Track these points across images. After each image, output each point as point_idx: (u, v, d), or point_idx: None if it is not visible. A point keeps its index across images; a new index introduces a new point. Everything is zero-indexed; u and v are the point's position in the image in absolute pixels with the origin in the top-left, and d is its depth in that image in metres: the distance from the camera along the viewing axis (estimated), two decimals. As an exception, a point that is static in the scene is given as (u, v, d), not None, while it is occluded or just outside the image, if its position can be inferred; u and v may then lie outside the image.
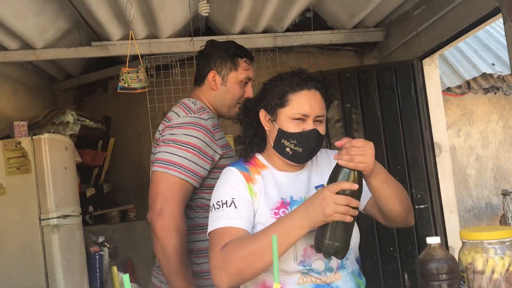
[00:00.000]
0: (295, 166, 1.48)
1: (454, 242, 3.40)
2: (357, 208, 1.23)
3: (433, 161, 3.57)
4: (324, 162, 1.54)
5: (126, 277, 0.71)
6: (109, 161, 4.28)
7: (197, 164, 1.68)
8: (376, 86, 3.70)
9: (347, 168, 1.25)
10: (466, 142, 4.72)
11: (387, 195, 1.37)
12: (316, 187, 1.45)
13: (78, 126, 3.51)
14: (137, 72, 2.99)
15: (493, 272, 1.16)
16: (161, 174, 1.66)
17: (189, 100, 1.83)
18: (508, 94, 4.46)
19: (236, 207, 1.37)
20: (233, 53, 1.81)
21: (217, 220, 1.37)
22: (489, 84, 4.32)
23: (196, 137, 1.68)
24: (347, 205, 1.20)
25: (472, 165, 4.65)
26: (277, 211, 1.40)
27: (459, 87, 4.33)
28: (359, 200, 1.25)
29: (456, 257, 1.23)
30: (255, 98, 1.52)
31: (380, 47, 4.31)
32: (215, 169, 1.74)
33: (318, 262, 1.37)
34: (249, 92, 1.82)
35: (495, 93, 4.45)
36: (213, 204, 1.41)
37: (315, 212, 1.22)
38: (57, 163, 2.90)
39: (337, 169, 1.28)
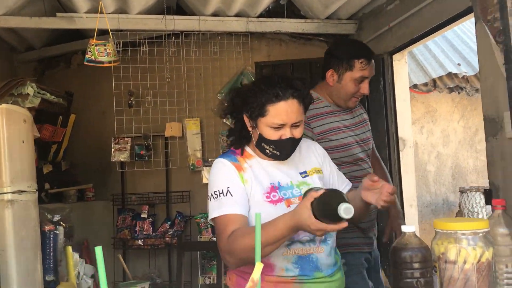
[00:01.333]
0: None
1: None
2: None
3: (397, 156, 3.62)
4: (309, 153, 1.73)
5: (98, 249, 0.66)
6: (68, 138, 4.12)
7: None
8: (346, 78, 3.71)
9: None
10: (428, 140, 4.83)
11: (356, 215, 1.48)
12: (300, 173, 1.66)
13: (38, 99, 3.36)
14: (105, 46, 2.87)
15: (465, 262, 1.17)
16: None
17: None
18: (471, 95, 4.58)
19: (232, 195, 1.54)
20: (350, 55, 2.04)
21: (217, 208, 1.53)
22: (454, 84, 4.42)
23: None
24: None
25: (433, 162, 4.77)
26: (268, 194, 1.58)
27: (426, 84, 4.41)
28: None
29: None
30: (240, 98, 1.64)
31: (352, 40, 4.32)
32: None
33: (303, 233, 1.52)
34: (364, 89, 2.06)
35: (458, 93, 4.56)
36: (211, 194, 1.57)
37: (303, 226, 1.36)
38: (14, 135, 2.76)
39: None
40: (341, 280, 1.64)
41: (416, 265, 1.15)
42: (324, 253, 1.59)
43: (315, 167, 1.71)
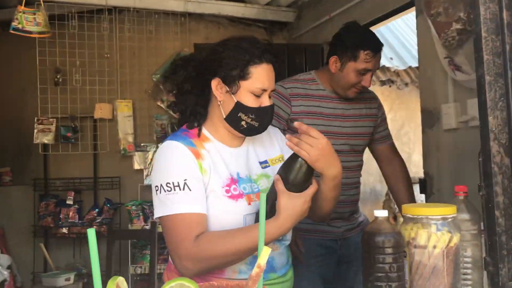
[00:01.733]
0: (237, 141, 1.43)
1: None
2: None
3: (332, 145, 3.67)
4: (271, 139, 1.53)
5: (90, 232, 0.55)
6: (-17, 117, 3.75)
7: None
8: (286, 66, 3.69)
9: (301, 158, 1.25)
10: (358, 130, 4.96)
11: (328, 199, 1.38)
12: (261, 163, 1.45)
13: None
14: (35, 14, 2.60)
15: (434, 247, 1.16)
16: None
17: (309, 72, 2.11)
18: (401, 89, 4.76)
19: (190, 190, 1.28)
20: (355, 45, 1.92)
21: (171, 204, 1.27)
22: (386, 77, 4.56)
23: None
24: None
25: (362, 153, 4.91)
26: (228, 188, 1.34)
27: (360, 76, 4.50)
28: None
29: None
30: (204, 64, 1.38)
31: (290, 28, 4.32)
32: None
33: None
34: (366, 81, 1.96)
35: (390, 86, 4.72)
36: (161, 185, 1.29)
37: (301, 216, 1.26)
38: None
39: (293, 157, 1.27)
40: (292, 278, 1.50)
41: (389, 250, 1.13)
42: (279, 251, 1.42)
43: (279, 155, 1.50)
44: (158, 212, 1.30)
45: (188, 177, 1.28)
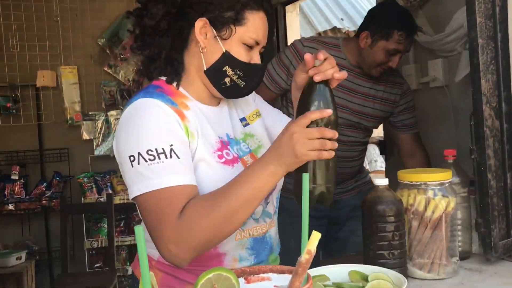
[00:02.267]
0: (214, 99, 1.19)
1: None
2: (336, 140, 0.99)
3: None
4: None
5: (138, 229, 0.48)
6: None
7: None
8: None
9: (322, 84, 1.02)
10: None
11: None
12: (241, 120, 1.25)
13: None
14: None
15: (433, 212, 1.16)
16: None
17: (337, 38, 2.05)
18: (352, 50, 4.78)
19: (178, 157, 1.03)
20: (390, 24, 1.85)
21: (156, 176, 1.00)
22: (338, 38, 4.55)
23: None
24: (321, 138, 0.96)
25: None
26: (220, 153, 1.12)
27: (312, 38, 4.47)
28: (336, 128, 1.01)
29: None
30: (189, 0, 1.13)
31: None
32: None
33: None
34: (394, 63, 1.89)
35: (340, 48, 4.73)
36: (139, 154, 1.01)
37: (286, 155, 0.98)
38: None
39: (311, 88, 1.02)
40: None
41: (391, 219, 1.12)
42: (275, 226, 1.25)
43: (254, 110, 1.31)
44: (138, 189, 1.01)
45: (175, 142, 1.03)
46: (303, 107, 1.01)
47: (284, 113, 1.42)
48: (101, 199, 3.49)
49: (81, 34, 3.75)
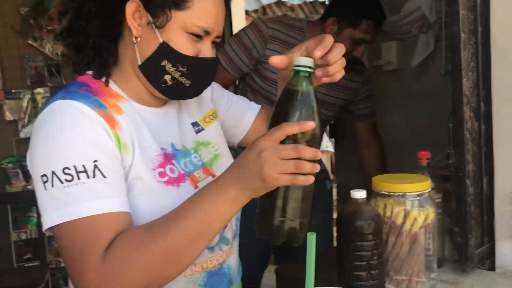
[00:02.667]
0: (157, 99, 0.97)
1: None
2: (316, 161, 0.77)
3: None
4: None
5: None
6: None
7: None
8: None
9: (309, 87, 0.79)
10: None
11: None
12: (193, 124, 1.04)
13: None
14: None
15: (412, 225, 1.07)
16: None
17: (302, 20, 1.92)
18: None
19: (104, 176, 0.81)
20: (359, 12, 1.74)
21: (74, 202, 0.79)
22: (282, 12, 4.41)
23: None
24: (298, 159, 0.75)
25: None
26: (162, 169, 0.90)
27: (256, 11, 4.30)
28: (319, 146, 0.81)
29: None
30: None
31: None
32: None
33: None
34: (359, 52, 1.79)
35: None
36: (53, 174, 0.79)
37: (251, 177, 0.76)
38: None
39: (293, 92, 0.79)
40: None
41: (369, 237, 1.00)
42: (235, 253, 1.05)
43: (210, 110, 1.10)
44: (51, 218, 0.80)
45: (101, 157, 0.81)
46: (279, 115, 0.80)
47: None
48: (29, 187, 3.18)
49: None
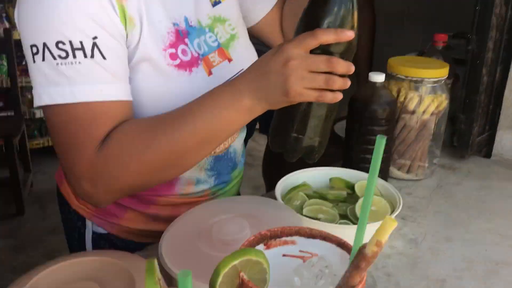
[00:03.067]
0: None
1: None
2: (345, 76, 0.68)
3: None
4: None
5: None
6: None
7: None
8: None
9: None
10: None
11: None
12: (215, 3, 0.88)
13: None
14: None
15: (424, 112, 1.05)
16: None
17: None
18: None
19: (104, 57, 0.69)
20: None
21: (69, 83, 0.68)
22: None
23: None
24: (329, 73, 0.66)
25: None
26: (173, 51, 0.78)
27: None
28: (352, 59, 0.71)
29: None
30: None
31: None
32: None
33: None
34: None
35: None
36: (45, 46, 0.67)
37: (273, 88, 0.67)
38: None
39: None
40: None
41: (382, 122, 0.98)
42: (238, 137, 0.97)
43: None
44: (39, 96, 0.70)
45: (101, 33, 0.69)
46: (311, 19, 0.69)
47: None
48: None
49: None
